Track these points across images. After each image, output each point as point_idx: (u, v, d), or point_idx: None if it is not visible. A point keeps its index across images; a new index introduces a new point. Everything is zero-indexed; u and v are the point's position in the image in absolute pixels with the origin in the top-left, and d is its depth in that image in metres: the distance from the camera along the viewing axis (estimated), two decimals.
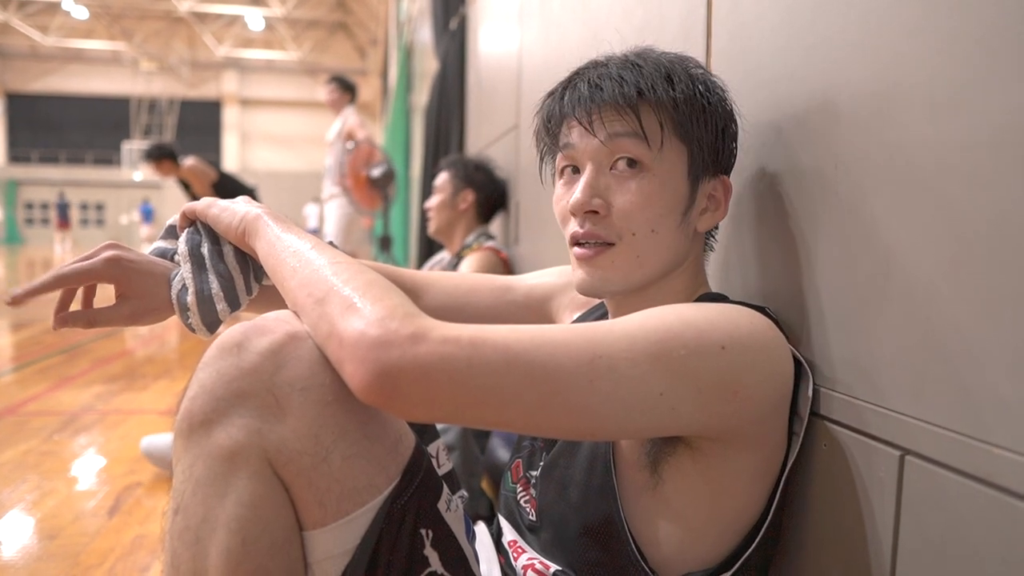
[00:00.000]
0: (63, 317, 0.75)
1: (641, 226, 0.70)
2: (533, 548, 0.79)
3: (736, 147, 0.78)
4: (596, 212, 0.71)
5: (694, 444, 0.66)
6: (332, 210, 4.60)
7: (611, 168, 0.72)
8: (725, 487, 0.67)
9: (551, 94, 0.77)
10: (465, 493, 0.87)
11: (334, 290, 0.59)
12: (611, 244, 0.72)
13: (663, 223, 0.71)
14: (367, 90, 17.68)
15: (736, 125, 0.77)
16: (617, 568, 0.70)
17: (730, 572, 0.67)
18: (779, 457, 0.69)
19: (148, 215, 18.06)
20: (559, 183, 0.77)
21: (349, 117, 4.49)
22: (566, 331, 0.58)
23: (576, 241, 0.73)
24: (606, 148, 0.71)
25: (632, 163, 0.70)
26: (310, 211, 16.15)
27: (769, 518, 0.68)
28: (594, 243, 0.72)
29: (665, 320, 0.61)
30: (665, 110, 0.70)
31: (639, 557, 0.68)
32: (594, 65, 0.74)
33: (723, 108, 0.74)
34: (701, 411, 0.60)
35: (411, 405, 0.53)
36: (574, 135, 0.73)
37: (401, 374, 0.52)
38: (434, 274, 0.97)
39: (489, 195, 2.33)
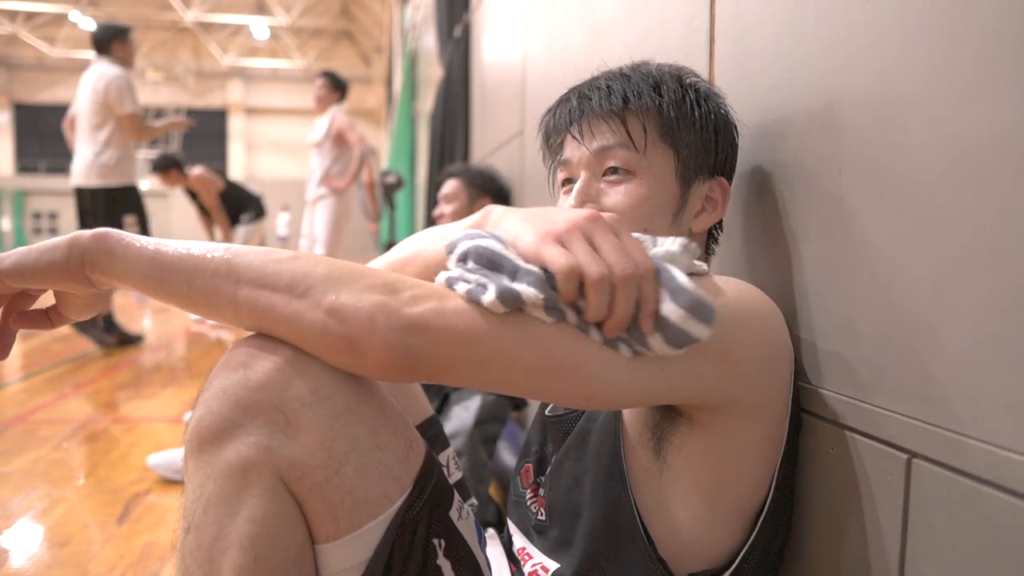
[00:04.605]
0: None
1: (632, 226, 0.72)
2: (539, 550, 0.79)
3: (733, 151, 0.79)
4: None
5: (694, 418, 0.67)
6: (320, 212, 4.28)
7: (603, 175, 0.75)
8: (728, 468, 0.68)
9: (549, 111, 0.81)
10: (475, 501, 0.87)
11: (305, 280, 0.57)
12: None
13: (654, 223, 0.74)
14: (372, 97, 17.73)
15: (733, 130, 0.79)
16: (625, 561, 0.70)
17: (736, 567, 0.68)
18: (780, 440, 0.69)
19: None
20: (562, 196, 0.81)
21: (337, 116, 4.19)
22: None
23: None
24: (596, 158, 0.76)
25: (620, 170, 0.74)
26: (280, 219, 15.61)
27: (768, 501, 0.68)
28: None
29: None
30: (650, 115, 0.74)
31: (648, 545, 0.68)
32: (589, 80, 0.79)
33: (718, 113, 0.77)
34: (693, 376, 0.61)
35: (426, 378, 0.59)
36: (568, 149, 0.78)
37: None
38: None
39: (504, 203, 2.35)
